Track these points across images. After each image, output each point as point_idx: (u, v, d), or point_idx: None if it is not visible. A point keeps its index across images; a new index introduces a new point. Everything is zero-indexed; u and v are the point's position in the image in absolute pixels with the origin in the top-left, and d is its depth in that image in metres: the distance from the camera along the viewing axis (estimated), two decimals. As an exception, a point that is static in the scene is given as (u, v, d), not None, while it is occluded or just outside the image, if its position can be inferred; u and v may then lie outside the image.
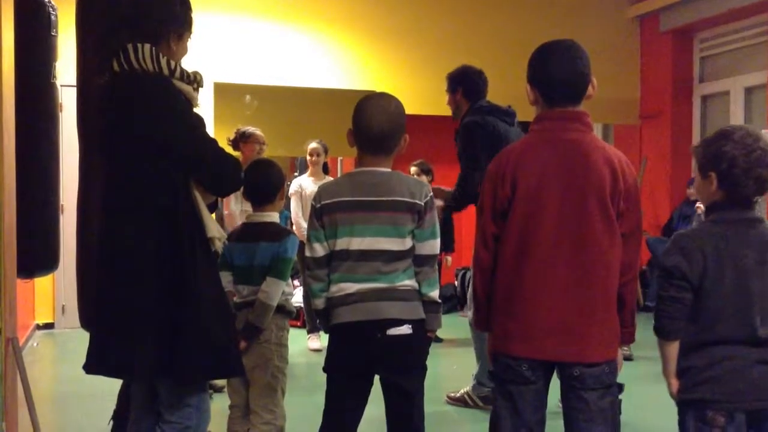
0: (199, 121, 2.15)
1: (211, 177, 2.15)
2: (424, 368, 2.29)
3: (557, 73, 2.07)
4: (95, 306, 2.23)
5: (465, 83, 3.97)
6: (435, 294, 2.26)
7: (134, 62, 2.06)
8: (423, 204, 2.18)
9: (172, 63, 2.11)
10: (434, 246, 2.23)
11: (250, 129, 4.88)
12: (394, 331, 2.16)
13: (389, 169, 2.24)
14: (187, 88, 2.14)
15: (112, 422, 3.42)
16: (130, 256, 2.08)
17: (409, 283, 2.21)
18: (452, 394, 4.13)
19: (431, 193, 2.22)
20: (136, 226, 2.08)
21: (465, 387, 4.09)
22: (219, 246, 2.19)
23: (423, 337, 2.27)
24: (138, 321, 2.05)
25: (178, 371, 2.07)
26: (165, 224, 2.07)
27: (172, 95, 2.09)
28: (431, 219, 2.20)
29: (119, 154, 2.12)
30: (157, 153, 2.05)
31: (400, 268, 2.19)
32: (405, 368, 2.23)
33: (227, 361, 2.17)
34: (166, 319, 2.04)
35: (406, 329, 2.17)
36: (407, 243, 2.19)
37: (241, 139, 4.80)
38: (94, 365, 2.16)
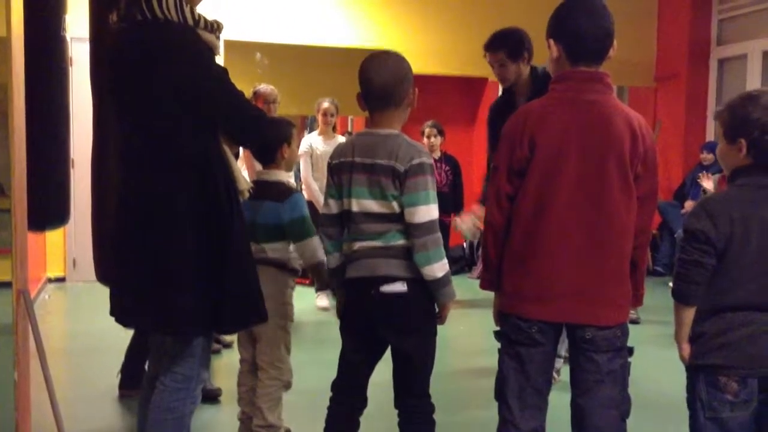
0: (225, 72, 2.14)
1: (238, 128, 2.17)
2: (426, 331, 2.22)
3: (587, 28, 2.01)
4: (120, 259, 2.18)
5: (530, 48, 3.41)
6: (430, 269, 2.11)
7: (158, 11, 2.04)
8: (404, 170, 2.09)
9: (195, 12, 2.10)
10: (417, 213, 2.09)
11: (261, 87, 4.92)
12: (387, 288, 2.14)
13: (390, 131, 2.18)
14: (210, 37, 2.13)
15: (120, 375, 3.49)
16: (164, 209, 2.06)
17: (405, 242, 2.16)
18: None
19: (423, 159, 2.10)
20: (166, 178, 2.07)
21: None
22: (247, 197, 2.26)
23: (421, 296, 2.18)
24: (178, 276, 2.04)
25: (222, 322, 2.12)
26: (197, 176, 2.07)
27: (200, 45, 2.08)
28: (413, 185, 2.09)
29: (141, 105, 2.08)
30: (184, 103, 2.03)
31: (394, 229, 2.16)
32: (401, 329, 2.19)
33: (264, 310, 2.23)
34: (207, 272, 2.05)
35: (399, 286, 2.14)
36: (395, 207, 2.14)
37: (253, 98, 4.89)
38: (129, 320, 2.17)
